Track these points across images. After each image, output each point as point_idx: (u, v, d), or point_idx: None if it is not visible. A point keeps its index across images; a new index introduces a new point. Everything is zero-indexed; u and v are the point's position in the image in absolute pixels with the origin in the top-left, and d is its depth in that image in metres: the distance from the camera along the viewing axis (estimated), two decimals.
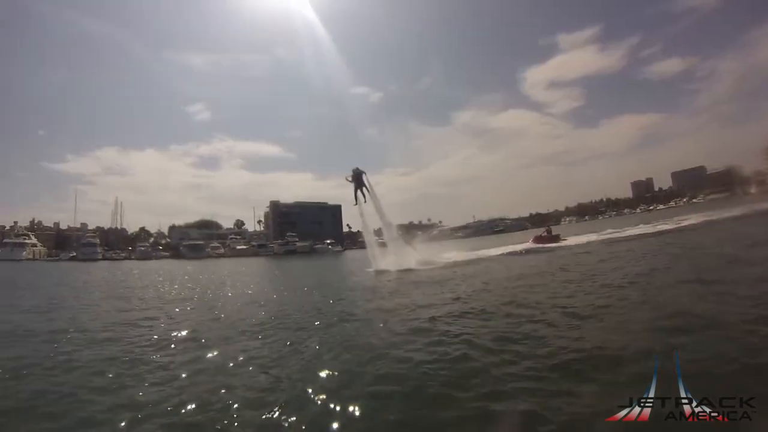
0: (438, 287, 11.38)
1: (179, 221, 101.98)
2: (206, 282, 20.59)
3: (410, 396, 3.96)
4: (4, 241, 73.93)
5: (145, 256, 74.81)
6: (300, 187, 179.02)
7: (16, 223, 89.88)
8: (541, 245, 23.81)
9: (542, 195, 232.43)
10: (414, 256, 19.98)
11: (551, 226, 30.24)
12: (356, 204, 21.36)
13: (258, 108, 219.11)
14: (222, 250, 79.46)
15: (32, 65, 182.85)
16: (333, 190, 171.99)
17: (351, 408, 3.78)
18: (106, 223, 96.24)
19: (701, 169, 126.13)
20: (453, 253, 22.80)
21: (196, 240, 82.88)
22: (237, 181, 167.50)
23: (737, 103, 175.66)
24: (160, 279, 23.39)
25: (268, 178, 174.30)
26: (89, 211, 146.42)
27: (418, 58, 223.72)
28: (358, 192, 21.17)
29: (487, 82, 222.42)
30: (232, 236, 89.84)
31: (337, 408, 3.80)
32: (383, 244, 22.42)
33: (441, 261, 19.73)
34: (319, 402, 3.99)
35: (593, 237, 25.04)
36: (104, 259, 71.27)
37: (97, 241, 75.77)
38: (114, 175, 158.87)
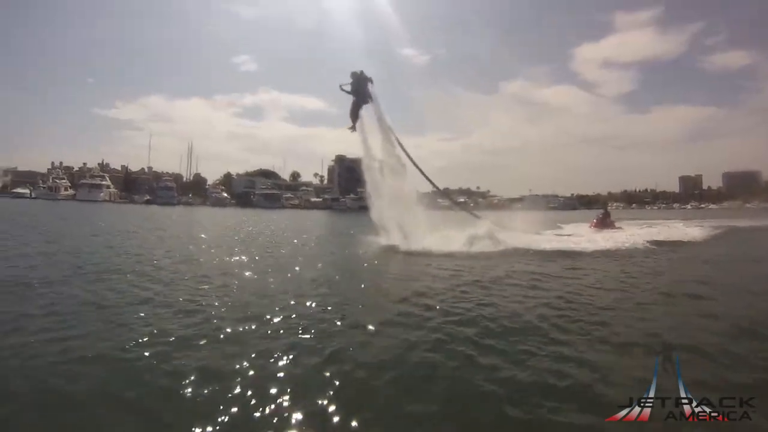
0: None
1: (225, 170, 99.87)
2: None
3: None
4: (81, 182, 73.36)
5: (220, 203, 73.72)
6: (343, 142, 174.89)
7: (85, 164, 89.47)
8: (605, 230, 19.89)
9: (584, 176, 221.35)
10: (493, 232, 13.10)
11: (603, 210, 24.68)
12: (353, 128, 13.71)
13: (305, 61, 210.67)
14: (296, 202, 77.60)
15: (78, 12, 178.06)
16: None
17: None
18: (157, 168, 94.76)
19: (756, 174, 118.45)
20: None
21: (270, 190, 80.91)
22: (280, 133, 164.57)
23: None
24: None
25: (310, 132, 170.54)
26: (136, 156, 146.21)
27: (469, 24, 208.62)
28: (360, 110, 13.65)
29: (537, 54, 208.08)
30: (303, 188, 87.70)
31: None
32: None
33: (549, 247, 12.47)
34: None
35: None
36: (179, 204, 70.24)
37: (174, 185, 74.46)
38: (159, 122, 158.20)
